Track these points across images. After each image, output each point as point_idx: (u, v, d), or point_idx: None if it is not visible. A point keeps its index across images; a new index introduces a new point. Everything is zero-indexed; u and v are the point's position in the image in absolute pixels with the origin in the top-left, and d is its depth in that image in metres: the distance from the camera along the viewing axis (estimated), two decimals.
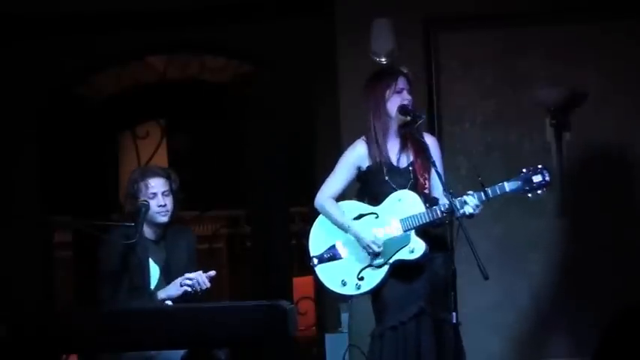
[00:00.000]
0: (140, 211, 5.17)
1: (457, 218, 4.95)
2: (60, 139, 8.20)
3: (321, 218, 5.25)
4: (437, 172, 5.05)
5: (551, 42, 6.84)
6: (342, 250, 5.16)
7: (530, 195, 5.09)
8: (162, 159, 9.43)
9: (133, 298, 5.12)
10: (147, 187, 5.24)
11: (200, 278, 5.15)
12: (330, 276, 5.14)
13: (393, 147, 5.20)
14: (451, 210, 4.96)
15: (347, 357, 6.73)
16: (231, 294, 9.69)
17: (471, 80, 6.89)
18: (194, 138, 9.71)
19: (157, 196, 5.23)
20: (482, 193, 5.00)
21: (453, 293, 4.88)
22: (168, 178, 5.31)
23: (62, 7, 7.39)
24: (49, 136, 8.06)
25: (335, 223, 5.17)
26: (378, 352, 5.08)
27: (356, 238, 5.11)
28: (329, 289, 5.17)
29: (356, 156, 5.22)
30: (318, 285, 5.30)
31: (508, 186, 5.05)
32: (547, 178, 5.08)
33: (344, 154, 5.28)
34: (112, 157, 9.14)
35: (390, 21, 6.65)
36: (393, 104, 5.15)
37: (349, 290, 5.13)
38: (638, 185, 6.75)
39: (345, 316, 6.89)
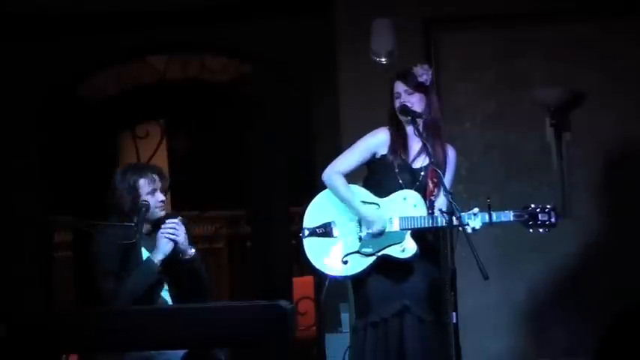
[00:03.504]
0: (140, 211, 5.16)
1: (457, 218, 4.95)
2: (60, 139, 8.20)
3: (322, 195, 5.27)
4: (442, 182, 5.06)
5: (551, 42, 6.84)
6: (335, 229, 5.18)
7: (531, 230, 5.10)
8: (162, 159, 9.42)
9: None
10: (150, 182, 5.21)
11: (172, 224, 5.12)
12: (314, 251, 5.18)
13: (413, 147, 5.23)
14: (451, 210, 4.97)
15: (347, 357, 6.73)
16: (231, 294, 9.69)
17: (471, 80, 6.90)
18: (194, 138, 9.71)
19: (157, 192, 5.23)
20: (487, 215, 5.02)
21: (453, 293, 4.90)
22: (160, 174, 5.30)
23: (62, 7, 7.39)
24: (49, 136, 8.06)
25: (341, 197, 5.19)
26: (360, 345, 5.13)
27: (359, 214, 5.13)
28: (311, 264, 5.19)
29: (376, 142, 5.25)
30: (302, 256, 5.29)
31: (513, 216, 5.07)
32: (553, 220, 5.10)
33: (364, 137, 5.29)
34: (112, 157, 9.14)
35: (390, 21, 6.65)
36: (396, 107, 5.20)
37: (330, 270, 5.16)
38: (638, 185, 6.76)
39: (345, 316, 6.89)
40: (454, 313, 4.91)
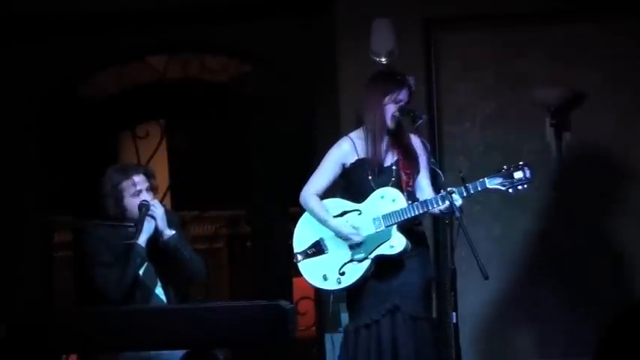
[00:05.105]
0: (140, 211, 5.17)
1: (457, 218, 4.97)
2: (60, 139, 8.20)
3: (304, 217, 5.33)
4: (441, 183, 5.11)
5: (551, 42, 6.84)
6: (325, 245, 5.24)
7: (510, 191, 5.08)
8: (162, 159, 9.42)
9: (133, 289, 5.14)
10: (133, 184, 5.22)
11: (153, 203, 5.17)
12: (312, 271, 5.23)
13: (380, 145, 5.25)
14: (451, 210, 4.99)
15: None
16: (231, 294, 9.69)
17: (471, 80, 6.90)
18: (194, 138, 9.70)
19: (142, 192, 5.22)
20: (463, 189, 5.03)
21: (453, 293, 4.90)
22: (146, 173, 5.30)
23: (62, 7, 7.39)
24: (49, 136, 8.06)
25: (316, 218, 5.25)
26: (352, 347, 5.16)
27: (335, 232, 5.18)
28: (311, 285, 5.26)
29: (341, 153, 5.30)
30: (304, 281, 5.34)
31: (489, 182, 5.08)
32: (528, 175, 5.08)
33: (329, 152, 5.36)
34: (112, 157, 9.13)
35: (390, 21, 6.65)
36: (389, 112, 5.20)
37: (330, 285, 5.21)
38: (638, 185, 6.76)
39: (345, 316, 6.88)
40: (454, 313, 4.92)
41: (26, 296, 7.60)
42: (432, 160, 5.21)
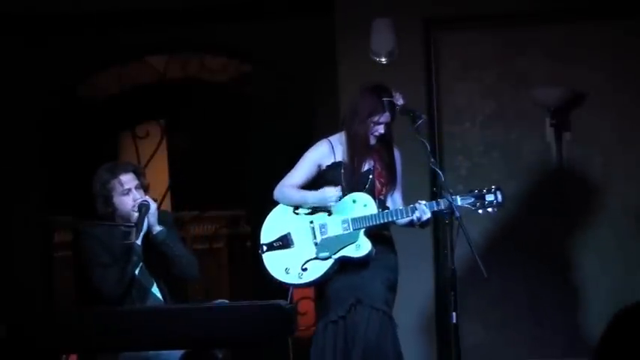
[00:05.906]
0: (140, 212, 5.16)
1: (457, 218, 4.99)
2: (60, 138, 8.19)
3: (275, 211, 5.39)
4: (443, 185, 5.16)
5: (551, 42, 6.84)
6: (292, 240, 5.30)
7: (480, 211, 5.16)
8: (162, 159, 9.41)
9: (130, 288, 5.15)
10: (121, 184, 5.21)
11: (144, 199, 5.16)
12: (274, 264, 5.30)
13: (360, 158, 5.30)
14: (451, 210, 5.03)
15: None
16: (231, 294, 9.68)
17: (470, 80, 6.90)
18: (194, 138, 9.69)
19: (131, 191, 5.21)
20: (435, 203, 5.08)
21: (453, 293, 4.91)
22: (135, 172, 5.29)
23: (62, 7, 7.39)
24: (49, 136, 8.05)
25: (295, 201, 5.32)
26: (321, 344, 5.27)
27: (316, 200, 5.23)
28: (272, 277, 5.31)
29: (318, 154, 5.36)
30: (263, 273, 5.35)
31: (460, 200, 5.13)
32: (499, 199, 5.18)
33: (307, 152, 5.42)
34: (112, 157, 9.11)
35: (390, 21, 6.65)
36: (370, 131, 5.22)
37: (291, 279, 5.28)
38: (638, 185, 6.75)
39: None
40: (454, 313, 4.92)
41: (26, 296, 7.60)
42: (432, 160, 5.21)
